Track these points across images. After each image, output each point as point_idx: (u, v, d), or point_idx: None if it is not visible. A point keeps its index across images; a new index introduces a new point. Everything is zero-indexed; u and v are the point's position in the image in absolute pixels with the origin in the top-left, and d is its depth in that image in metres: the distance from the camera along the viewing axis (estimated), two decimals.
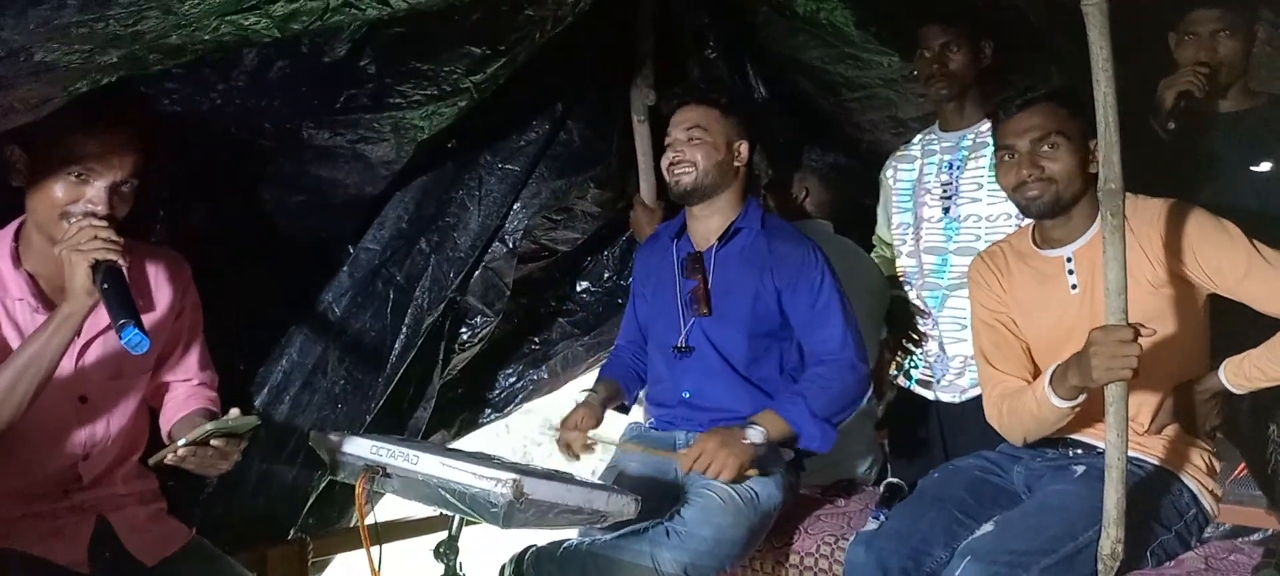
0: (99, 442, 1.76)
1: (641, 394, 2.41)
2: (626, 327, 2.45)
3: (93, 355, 1.74)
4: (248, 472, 2.18)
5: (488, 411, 3.00)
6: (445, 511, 1.81)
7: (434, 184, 2.39)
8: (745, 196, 2.23)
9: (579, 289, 3.06)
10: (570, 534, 2.17)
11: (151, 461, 1.68)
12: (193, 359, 1.93)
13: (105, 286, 1.57)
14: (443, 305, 2.45)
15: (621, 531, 1.95)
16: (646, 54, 2.69)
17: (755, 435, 1.97)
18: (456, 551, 1.90)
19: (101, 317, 1.70)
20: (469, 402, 2.95)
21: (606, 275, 3.06)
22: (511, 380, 2.98)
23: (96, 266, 1.57)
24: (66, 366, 1.69)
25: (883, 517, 2.01)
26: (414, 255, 2.37)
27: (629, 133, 2.72)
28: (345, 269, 2.31)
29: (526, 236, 2.61)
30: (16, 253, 1.70)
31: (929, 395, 2.44)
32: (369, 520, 2.50)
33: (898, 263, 2.54)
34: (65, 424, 1.72)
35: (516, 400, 3.02)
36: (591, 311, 3.06)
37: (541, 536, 2.16)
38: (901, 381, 2.55)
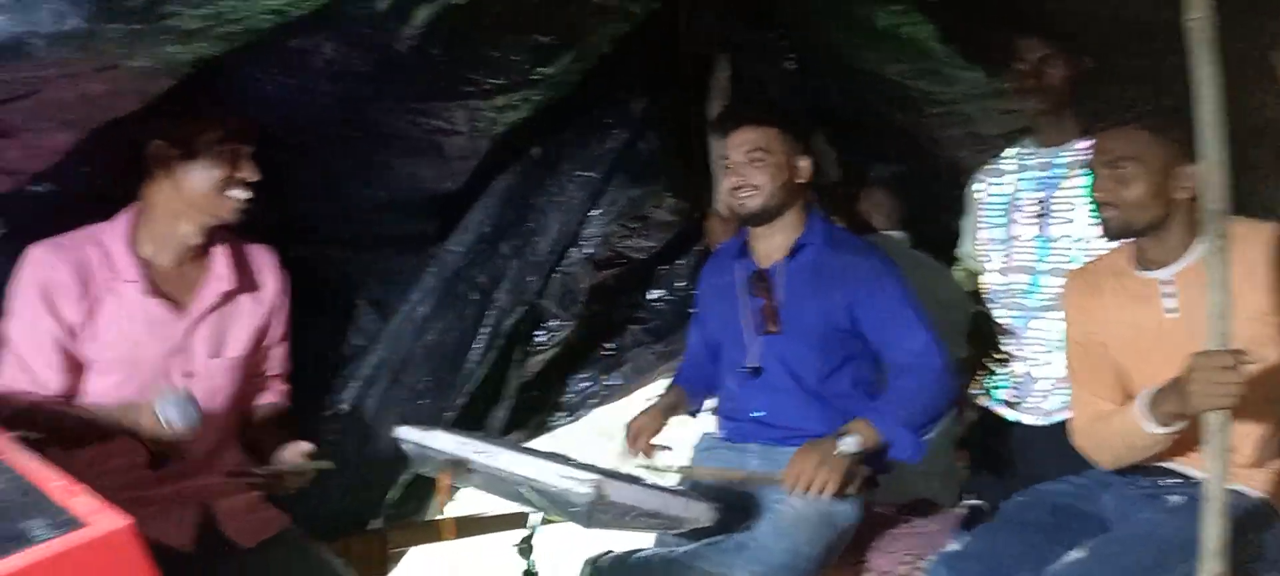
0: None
1: (711, 403, 2.41)
2: (692, 343, 2.44)
3: (201, 333, 1.84)
4: (339, 460, 2.24)
5: (560, 415, 3.02)
6: (525, 508, 1.85)
7: (516, 189, 2.44)
8: (808, 211, 2.21)
9: (652, 297, 3.07)
10: (645, 542, 2.18)
11: (249, 474, 1.83)
12: (280, 352, 2.02)
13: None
14: (522, 308, 2.49)
15: (695, 543, 1.95)
16: (721, 64, 2.69)
17: (849, 445, 1.95)
18: (534, 548, 1.94)
19: (209, 295, 1.84)
20: (542, 405, 2.98)
21: (679, 284, 3.07)
22: (585, 384, 3.01)
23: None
24: (176, 342, 1.81)
25: (965, 539, 1.98)
26: (495, 259, 2.42)
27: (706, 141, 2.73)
28: (431, 270, 2.37)
29: (603, 243, 2.64)
30: (133, 238, 1.79)
31: (1012, 416, 2.38)
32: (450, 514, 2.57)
33: (982, 280, 2.49)
34: None
35: (589, 405, 3.04)
36: (664, 320, 3.07)
37: (619, 542, 2.18)
38: (984, 401, 2.49)
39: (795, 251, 2.17)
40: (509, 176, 2.42)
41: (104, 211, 1.85)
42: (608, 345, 3.02)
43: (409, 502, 2.62)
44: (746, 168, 2.12)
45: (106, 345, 1.77)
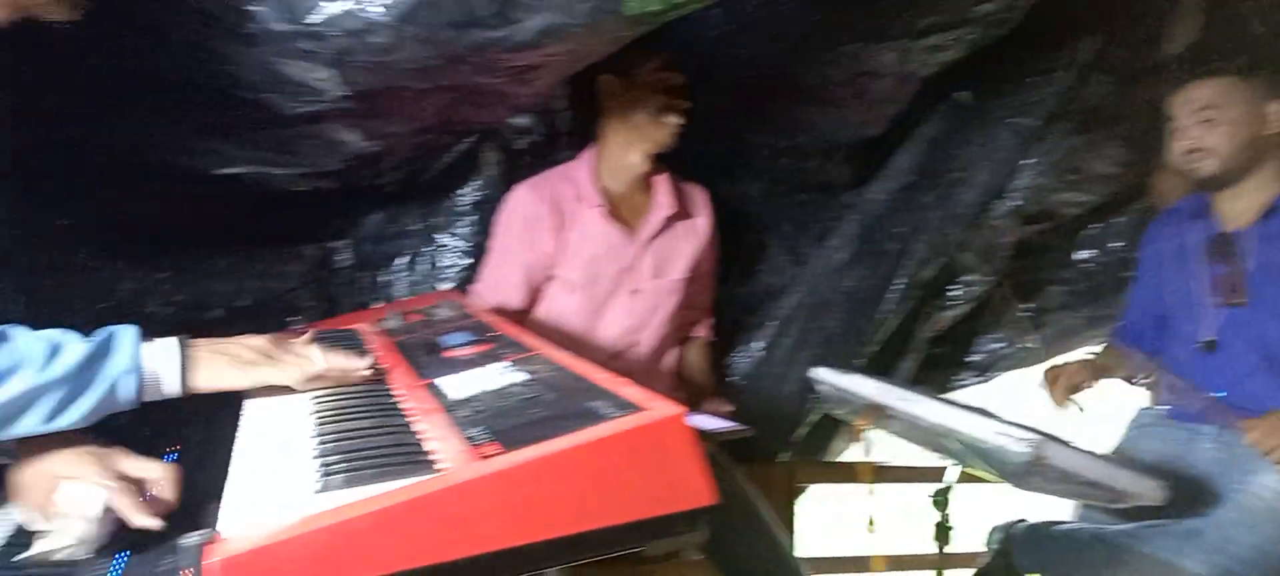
0: (644, 332, 2.08)
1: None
2: (1131, 311, 2.22)
3: (647, 254, 2.07)
4: (757, 394, 2.39)
5: (968, 374, 2.92)
6: (945, 461, 1.83)
7: (943, 136, 2.37)
8: None
9: (1081, 257, 2.83)
10: (1063, 512, 2.06)
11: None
12: (708, 287, 2.20)
13: None
14: (941, 260, 2.43)
15: (1132, 523, 1.80)
16: None
17: None
18: (950, 502, 1.91)
19: (654, 220, 2.06)
20: (949, 362, 2.91)
21: (1114, 244, 2.78)
22: (997, 345, 2.87)
23: None
24: (627, 262, 2.04)
25: None
26: (917, 208, 2.38)
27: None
28: (852, 216, 2.39)
29: (1032, 196, 2.48)
30: (596, 170, 2.05)
31: None
32: (855, 457, 2.62)
33: None
34: (620, 311, 2.06)
35: (999, 367, 2.90)
36: (1092, 282, 2.81)
37: (1033, 510, 2.08)
38: None
39: (1270, 213, 1.90)
40: (934, 123, 2.36)
41: (574, 150, 2.13)
42: (1026, 305, 2.84)
43: (812, 441, 2.71)
44: (1196, 129, 1.89)
45: (572, 266, 2.04)
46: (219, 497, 1.04)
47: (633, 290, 2.07)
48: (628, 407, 0.85)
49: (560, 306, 2.07)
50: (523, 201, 2.03)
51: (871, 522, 1.97)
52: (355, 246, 2.24)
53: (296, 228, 2.14)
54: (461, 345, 1.33)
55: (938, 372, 2.92)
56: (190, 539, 0.72)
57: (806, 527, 2.63)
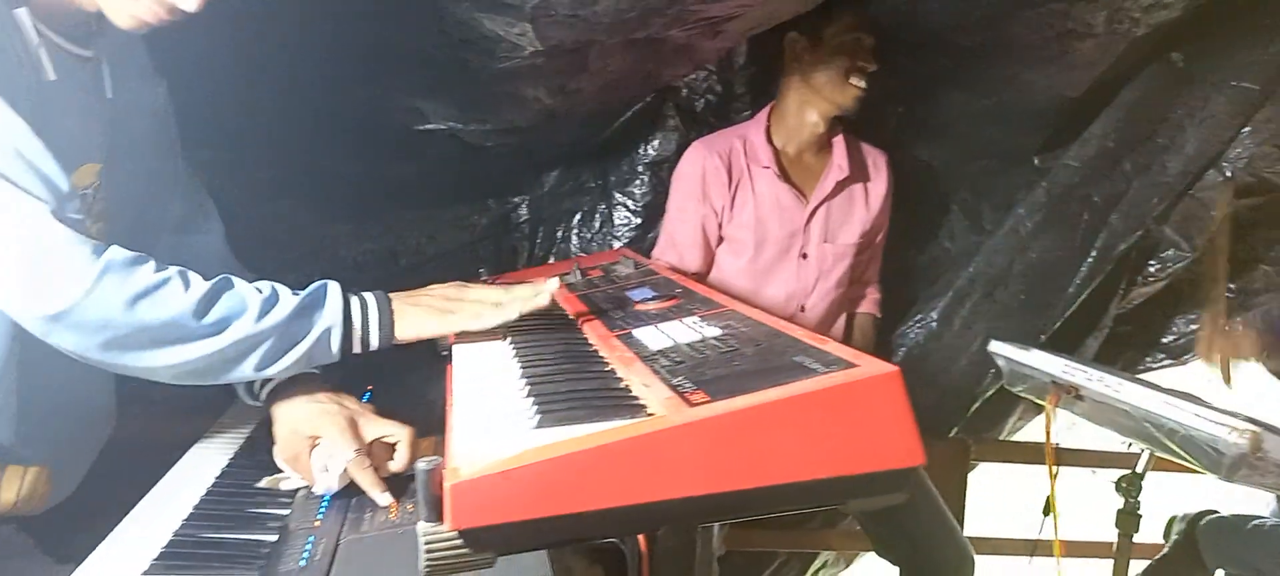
0: (810, 298, 2.07)
1: None
2: None
3: (818, 218, 2.05)
4: (929, 367, 2.33)
5: (1160, 356, 2.73)
6: (1138, 446, 1.73)
7: (1148, 100, 2.20)
8: None
9: None
10: (1261, 506, 1.91)
11: None
12: (877, 258, 2.16)
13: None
14: (1138, 233, 2.27)
15: None
16: None
17: None
18: (1140, 489, 1.82)
19: (827, 183, 2.03)
20: (1138, 342, 2.73)
21: None
22: (1195, 327, 2.66)
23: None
24: (797, 224, 2.03)
25: None
26: (1115, 176, 2.24)
27: None
28: (1042, 184, 2.27)
29: (1248, 166, 2.27)
30: (769, 130, 2.04)
31: None
32: (1023, 437, 2.51)
33: None
34: (787, 275, 2.06)
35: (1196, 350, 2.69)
36: None
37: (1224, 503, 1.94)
38: None
39: None
40: (1140, 86, 2.19)
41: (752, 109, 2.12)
42: (1232, 285, 2.62)
43: (983, 418, 2.62)
44: None
45: (742, 225, 2.04)
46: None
47: (801, 253, 2.05)
48: (838, 363, 0.85)
49: (727, 267, 2.08)
50: (698, 159, 2.05)
51: (1050, 505, 1.88)
52: (534, 203, 2.32)
53: (483, 183, 2.24)
54: (649, 300, 1.35)
55: (1125, 352, 2.74)
56: (422, 464, 0.77)
57: (977, 506, 2.54)
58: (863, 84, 1.93)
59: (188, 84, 1.73)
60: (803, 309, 2.08)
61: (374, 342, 1.15)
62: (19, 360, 1.17)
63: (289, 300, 1.09)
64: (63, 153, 1.04)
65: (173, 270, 1.04)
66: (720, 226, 2.06)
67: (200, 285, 1.04)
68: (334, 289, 1.13)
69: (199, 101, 1.85)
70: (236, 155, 2.03)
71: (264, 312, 1.06)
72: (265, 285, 1.10)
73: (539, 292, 1.21)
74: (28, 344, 1.08)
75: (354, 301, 1.14)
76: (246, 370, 1.07)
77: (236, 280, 1.08)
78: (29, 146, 0.99)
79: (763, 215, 2.03)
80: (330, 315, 1.11)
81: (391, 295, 1.18)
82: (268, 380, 1.18)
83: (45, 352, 1.04)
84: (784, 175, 2.03)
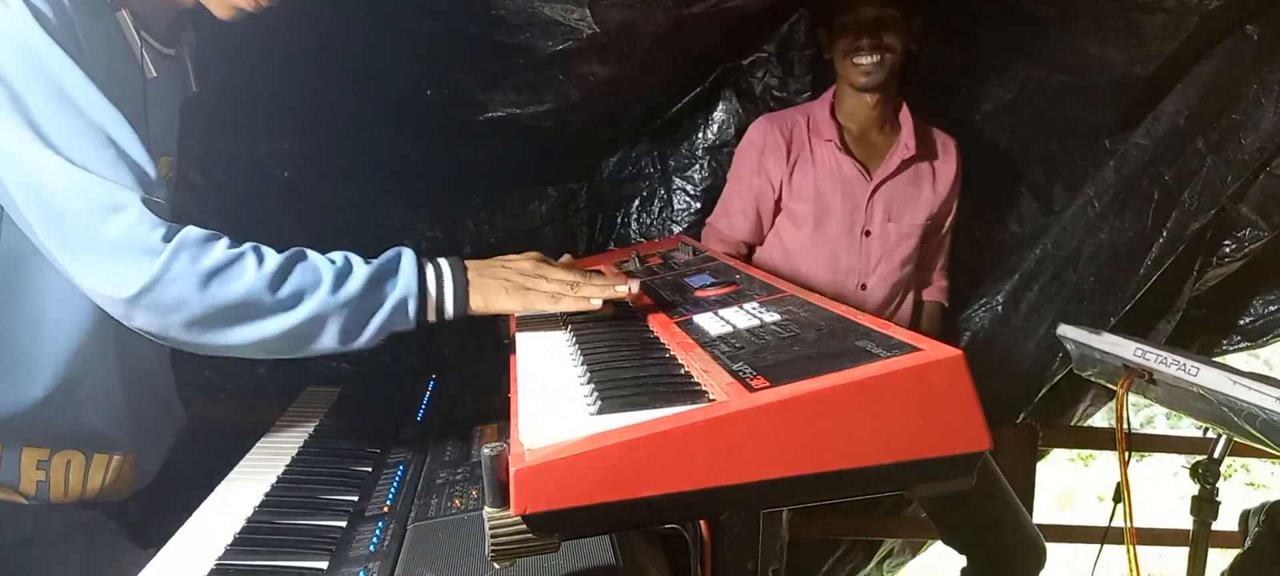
0: (875, 275, 2.06)
1: None
2: None
3: (881, 196, 2.03)
4: (993, 349, 2.29)
5: (1236, 338, 2.64)
6: (1216, 431, 1.68)
7: (1223, 74, 2.12)
8: None
9: None
10: None
11: None
12: (945, 243, 2.11)
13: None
14: (1212, 211, 2.20)
15: None
16: None
17: None
18: (1217, 475, 1.77)
19: (892, 161, 2.01)
20: (1213, 324, 2.64)
21: None
22: (1274, 309, 2.57)
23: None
24: (860, 201, 2.02)
25: None
26: (1188, 154, 2.16)
27: None
28: (1111, 164, 2.21)
29: None
30: (833, 107, 2.04)
31: None
32: (1095, 422, 2.45)
33: None
34: (853, 250, 2.05)
35: (1277, 333, 2.60)
36: None
37: None
38: None
39: None
40: (1215, 60, 2.12)
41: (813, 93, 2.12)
42: None
43: (1052, 402, 2.56)
44: None
45: (801, 196, 2.04)
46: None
47: (864, 231, 2.03)
48: (901, 347, 0.84)
49: (788, 240, 2.08)
50: (760, 131, 2.06)
51: (1122, 491, 1.83)
52: (593, 189, 2.33)
53: (543, 170, 2.26)
54: (708, 286, 1.35)
55: (1200, 336, 2.66)
56: (487, 450, 0.79)
57: (1046, 493, 2.49)
58: (864, 61, 1.92)
59: (266, 79, 1.79)
60: (863, 287, 2.06)
61: (449, 311, 1.12)
62: (118, 352, 1.22)
63: (362, 269, 1.08)
64: (155, 144, 1.07)
65: (247, 246, 1.04)
66: (778, 201, 2.05)
67: (273, 259, 1.04)
68: (408, 255, 1.11)
69: (276, 95, 1.91)
70: (310, 145, 2.08)
71: (339, 283, 1.05)
72: (338, 255, 1.09)
73: (619, 286, 1.18)
74: (122, 335, 1.11)
75: (428, 268, 1.12)
76: (328, 342, 1.06)
77: (310, 252, 1.08)
78: (123, 137, 1.01)
79: (822, 187, 2.02)
80: (406, 283, 1.09)
81: (467, 263, 1.15)
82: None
83: (136, 343, 1.07)
84: (846, 149, 2.02)
